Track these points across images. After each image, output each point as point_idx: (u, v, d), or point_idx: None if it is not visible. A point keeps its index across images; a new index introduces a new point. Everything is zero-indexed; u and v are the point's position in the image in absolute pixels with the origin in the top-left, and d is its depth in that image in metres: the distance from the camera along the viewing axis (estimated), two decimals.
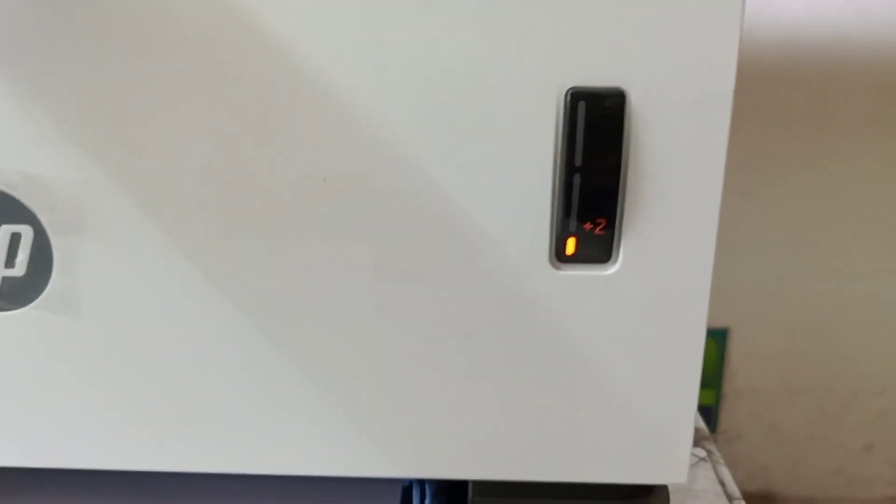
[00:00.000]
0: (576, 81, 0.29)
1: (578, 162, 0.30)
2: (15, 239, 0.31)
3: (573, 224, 0.30)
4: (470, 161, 0.30)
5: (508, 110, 0.29)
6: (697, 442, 0.51)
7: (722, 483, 0.48)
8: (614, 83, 0.29)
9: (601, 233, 0.30)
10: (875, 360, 0.94)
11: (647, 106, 0.29)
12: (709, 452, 0.51)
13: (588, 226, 0.30)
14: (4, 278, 0.31)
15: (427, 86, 0.29)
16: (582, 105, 0.29)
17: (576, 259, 0.31)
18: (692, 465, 0.49)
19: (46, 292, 0.32)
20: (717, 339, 0.94)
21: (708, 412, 0.95)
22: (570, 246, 0.31)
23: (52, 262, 0.31)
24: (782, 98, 0.82)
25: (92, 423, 0.33)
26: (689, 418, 0.33)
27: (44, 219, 0.31)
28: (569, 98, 0.29)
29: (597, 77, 0.29)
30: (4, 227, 0.31)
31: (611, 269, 0.31)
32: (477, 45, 0.29)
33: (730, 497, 0.47)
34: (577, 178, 0.30)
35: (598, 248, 0.31)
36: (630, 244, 0.31)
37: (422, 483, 0.37)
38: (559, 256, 0.31)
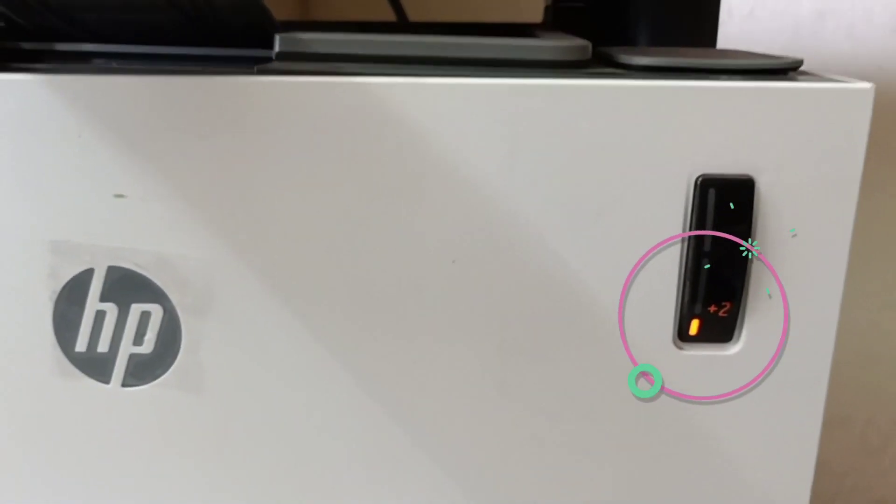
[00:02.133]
0: (706, 168, 0.30)
1: (707, 247, 0.30)
2: (144, 317, 0.32)
3: (698, 307, 0.31)
4: (598, 243, 0.30)
5: (639, 195, 0.30)
6: None
7: None
8: (743, 170, 0.30)
9: (725, 315, 0.31)
10: None
11: (776, 193, 0.30)
12: None
13: (713, 308, 0.31)
14: (132, 355, 0.32)
15: (558, 169, 0.30)
16: (712, 192, 0.30)
17: (699, 339, 0.31)
18: None
19: (172, 369, 0.32)
20: None
21: None
22: (694, 327, 0.31)
23: (180, 340, 0.32)
24: None
25: (210, 499, 0.34)
26: (806, 494, 0.33)
27: (174, 299, 0.31)
28: (699, 184, 0.30)
29: (726, 164, 0.30)
30: (134, 305, 0.31)
31: (733, 349, 0.31)
32: (609, 129, 0.29)
33: None
34: (704, 262, 0.30)
35: (721, 330, 0.31)
36: (753, 325, 0.31)
37: None
38: (682, 336, 0.31)
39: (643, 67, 0.31)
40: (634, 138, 0.29)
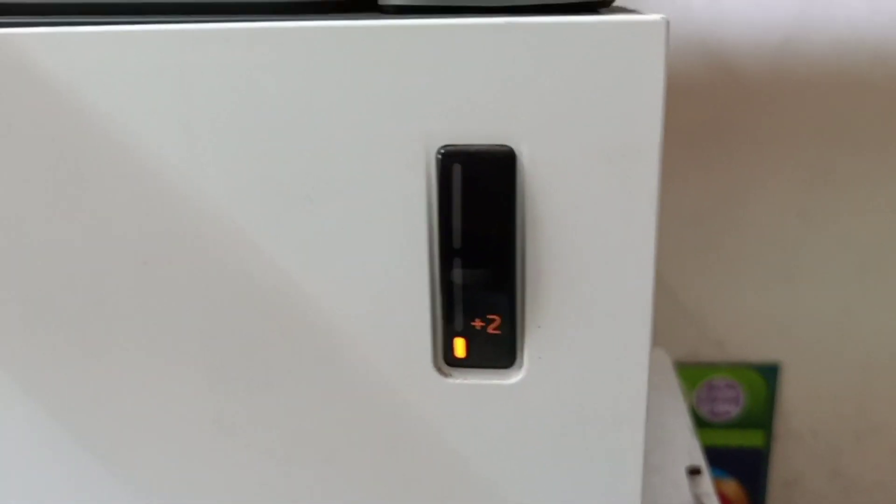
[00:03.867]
0: (450, 137, 0.22)
1: (457, 243, 0.22)
2: None
3: (458, 322, 0.23)
4: (317, 238, 0.23)
5: (366, 176, 0.22)
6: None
7: None
8: (500, 140, 0.22)
9: (495, 331, 0.23)
10: None
11: (546, 166, 0.22)
12: None
13: (478, 323, 0.23)
14: None
15: (251, 143, 0.22)
16: (457, 168, 0.22)
17: (468, 363, 0.24)
18: None
19: None
20: (767, 376, 0.84)
21: (758, 455, 0.85)
22: (459, 348, 0.23)
23: None
24: (845, 110, 0.72)
25: None
26: None
27: None
28: (440, 160, 0.22)
29: (478, 130, 0.22)
30: None
31: (513, 378, 0.24)
32: (321, 84, 0.22)
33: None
34: (456, 263, 0.23)
35: (494, 351, 0.23)
36: (535, 345, 0.23)
37: None
38: (447, 360, 0.24)
39: (396, 8, 0.24)
40: (355, 98, 0.22)
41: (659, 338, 0.49)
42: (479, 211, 0.22)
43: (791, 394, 0.84)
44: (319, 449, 0.25)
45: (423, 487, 0.25)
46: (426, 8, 0.23)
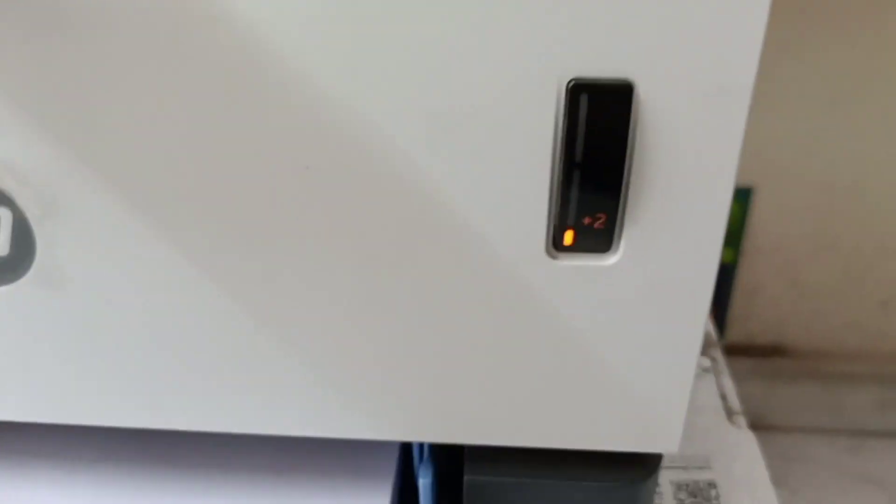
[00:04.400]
0: (578, 72, 0.26)
1: (578, 158, 0.27)
2: None
3: (571, 218, 0.29)
4: (459, 152, 0.28)
5: (502, 102, 0.27)
6: (705, 350, 0.51)
7: (723, 397, 0.48)
8: (621, 74, 0.26)
9: (600, 227, 0.29)
10: None
11: (657, 100, 0.26)
12: (713, 361, 0.51)
13: (587, 220, 0.29)
14: None
15: (403, 74, 0.27)
16: (584, 97, 0.27)
17: (574, 249, 0.29)
18: (696, 377, 0.50)
19: (33, 269, 0.31)
20: (741, 199, 0.92)
21: (725, 269, 0.94)
22: (568, 238, 0.29)
23: (34, 241, 0.31)
24: None
25: (81, 383, 0.34)
26: (685, 396, 0.32)
27: (20, 202, 0.30)
28: (570, 90, 0.26)
29: (602, 68, 0.26)
30: None
31: (610, 260, 0.29)
32: (464, 33, 0.26)
33: (729, 412, 0.47)
34: (576, 175, 0.28)
35: (597, 241, 0.29)
36: (632, 236, 0.29)
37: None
38: (556, 246, 0.29)
39: None
40: (494, 41, 0.26)
41: None
42: (599, 132, 0.27)
43: (759, 215, 0.92)
44: (452, 311, 0.31)
45: (531, 338, 0.31)
46: None
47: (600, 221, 0.29)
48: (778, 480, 0.99)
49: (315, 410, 0.34)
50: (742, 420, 0.47)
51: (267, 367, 0.33)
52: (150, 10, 0.26)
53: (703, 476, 0.43)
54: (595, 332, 0.31)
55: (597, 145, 0.27)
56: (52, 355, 0.33)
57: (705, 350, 0.52)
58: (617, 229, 0.29)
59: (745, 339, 0.97)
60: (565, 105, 0.27)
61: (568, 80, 0.26)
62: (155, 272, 0.31)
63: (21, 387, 0.34)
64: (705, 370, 0.51)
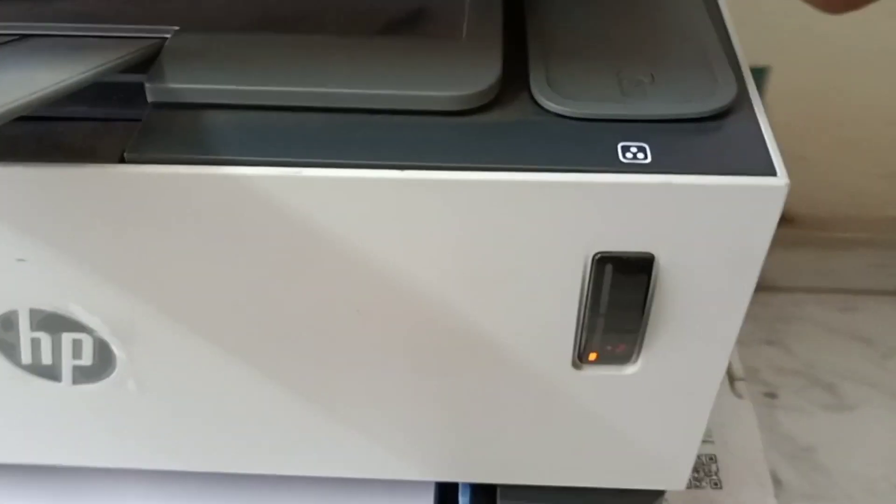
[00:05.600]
0: (604, 248, 0.29)
1: (603, 310, 0.30)
2: (77, 342, 0.34)
3: (594, 346, 0.32)
4: (498, 301, 0.31)
5: (537, 268, 0.30)
6: None
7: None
8: (644, 249, 0.29)
9: (622, 351, 0.32)
10: None
11: (675, 267, 0.29)
12: None
13: (609, 348, 0.32)
14: (74, 366, 0.35)
15: (453, 251, 0.29)
16: (609, 267, 0.29)
17: (597, 363, 0.33)
18: None
19: (114, 374, 0.35)
20: (757, 78, 0.91)
21: None
22: (592, 356, 0.33)
23: (114, 357, 0.34)
24: None
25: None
26: (694, 447, 0.37)
27: (98, 332, 0.33)
28: (596, 261, 0.29)
29: (627, 243, 0.29)
30: (65, 334, 0.33)
31: (630, 370, 0.33)
32: (505, 218, 0.28)
33: (732, 378, 0.52)
34: (600, 322, 0.31)
35: (617, 359, 0.33)
36: (649, 355, 0.33)
37: None
38: (581, 359, 0.33)
39: (559, 115, 0.29)
40: (530, 225, 0.28)
41: None
42: (621, 293, 0.30)
43: (774, 97, 0.92)
44: (486, 407, 0.35)
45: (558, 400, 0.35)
46: (587, 118, 0.28)
47: (621, 349, 0.32)
48: (773, 340, 1.06)
49: (355, 451, 0.38)
50: (743, 387, 0.52)
51: (315, 407, 0.37)
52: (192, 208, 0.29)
53: (704, 450, 0.49)
54: (615, 410, 0.35)
55: (619, 302, 0.30)
56: (128, 439, 0.38)
57: None
58: (635, 354, 0.32)
59: None
60: (591, 272, 0.29)
61: (595, 252, 0.29)
62: (220, 384, 0.35)
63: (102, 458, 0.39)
64: None
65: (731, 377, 0.53)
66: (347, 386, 0.35)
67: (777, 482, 0.83)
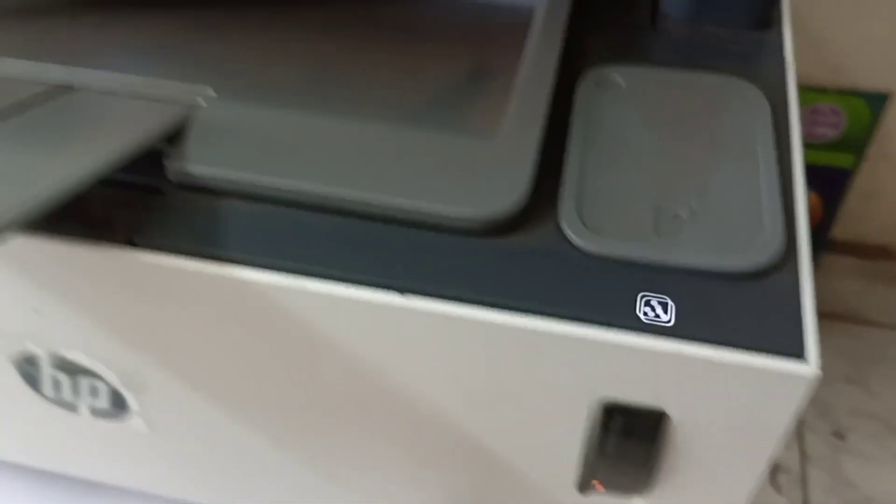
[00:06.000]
0: (614, 396, 0.27)
1: (610, 453, 0.29)
2: (93, 387, 0.34)
3: (600, 478, 0.30)
4: (502, 427, 0.30)
5: (554, 408, 0.28)
6: None
7: None
8: (655, 403, 0.27)
9: (627, 484, 0.31)
10: None
11: (688, 424, 0.27)
12: None
13: (614, 482, 0.30)
14: (92, 407, 0.35)
15: (457, 371, 0.28)
16: (619, 417, 0.27)
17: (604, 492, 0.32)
18: None
19: (129, 415, 0.36)
20: (874, 104, 0.85)
21: (844, 174, 0.89)
22: (599, 486, 0.31)
23: (128, 402, 0.35)
24: None
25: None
26: None
27: (112, 382, 0.34)
28: (605, 409, 0.27)
29: (638, 395, 0.27)
30: (83, 379, 0.34)
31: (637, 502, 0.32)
32: (512, 358, 0.27)
33: (775, 467, 0.49)
34: (608, 462, 0.29)
35: (624, 492, 0.31)
36: (658, 491, 0.31)
37: None
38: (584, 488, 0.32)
39: (585, 254, 0.27)
40: (535, 369, 0.27)
41: None
42: (629, 440, 0.28)
43: (891, 122, 0.85)
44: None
45: None
46: (615, 260, 0.26)
47: (627, 494, 0.30)
48: (854, 379, 1.01)
49: None
50: (785, 480, 0.48)
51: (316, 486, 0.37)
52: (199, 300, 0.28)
53: None
54: None
55: (627, 446, 0.28)
56: (137, 465, 0.38)
57: None
58: (641, 491, 0.31)
59: (854, 239, 0.94)
60: (599, 418, 0.28)
61: (602, 400, 0.27)
62: (219, 433, 0.35)
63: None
64: None
65: (772, 466, 0.49)
66: (341, 467, 0.35)
67: None
